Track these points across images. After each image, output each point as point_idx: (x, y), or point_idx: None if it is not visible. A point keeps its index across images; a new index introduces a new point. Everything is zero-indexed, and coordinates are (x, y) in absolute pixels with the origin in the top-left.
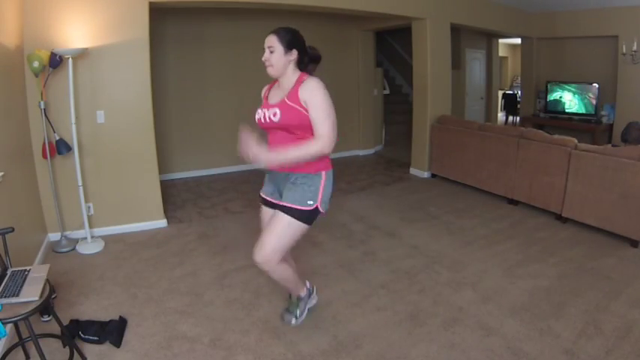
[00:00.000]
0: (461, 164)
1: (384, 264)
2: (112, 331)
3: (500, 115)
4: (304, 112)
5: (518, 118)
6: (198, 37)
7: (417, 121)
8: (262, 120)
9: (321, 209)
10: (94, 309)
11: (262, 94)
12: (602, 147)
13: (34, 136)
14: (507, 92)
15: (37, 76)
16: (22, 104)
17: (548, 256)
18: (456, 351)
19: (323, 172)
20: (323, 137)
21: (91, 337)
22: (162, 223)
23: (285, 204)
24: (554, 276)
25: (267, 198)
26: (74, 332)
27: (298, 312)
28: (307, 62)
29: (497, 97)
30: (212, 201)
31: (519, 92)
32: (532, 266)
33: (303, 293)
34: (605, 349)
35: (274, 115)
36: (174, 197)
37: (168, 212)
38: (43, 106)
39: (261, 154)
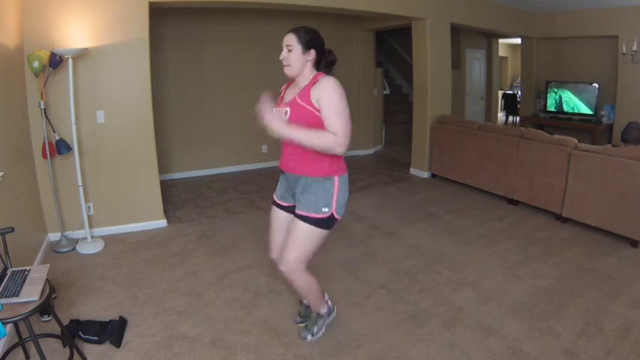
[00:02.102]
0: (461, 164)
1: (384, 264)
2: (112, 331)
3: (500, 115)
4: (315, 113)
5: (518, 118)
6: (198, 37)
7: (417, 121)
8: None
9: (336, 216)
10: (94, 309)
11: (280, 93)
12: (602, 147)
13: (34, 136)
14: (507, 92)
15: (37, 76)
16: (22, 104)
17: (548, 256)
18: (456, 351)
19: (336, 177)
20: (337, 135)
21: (91, 337)
22: (162, 223)
23: (300, 212)
24: (554, 276)
25: (278, 201)
26: (74, 332)
27: (315, 329)
28: (324, 65)
29: (497, 97)
30: (212, 201)
31: (519, 92)
32: (532, 266)
33: (324, 310)
34: (605, 349)
35: (285, 113)
36: (174, 197)
37: (168, 212)
38: (43, 106)
39: (274, 121)
